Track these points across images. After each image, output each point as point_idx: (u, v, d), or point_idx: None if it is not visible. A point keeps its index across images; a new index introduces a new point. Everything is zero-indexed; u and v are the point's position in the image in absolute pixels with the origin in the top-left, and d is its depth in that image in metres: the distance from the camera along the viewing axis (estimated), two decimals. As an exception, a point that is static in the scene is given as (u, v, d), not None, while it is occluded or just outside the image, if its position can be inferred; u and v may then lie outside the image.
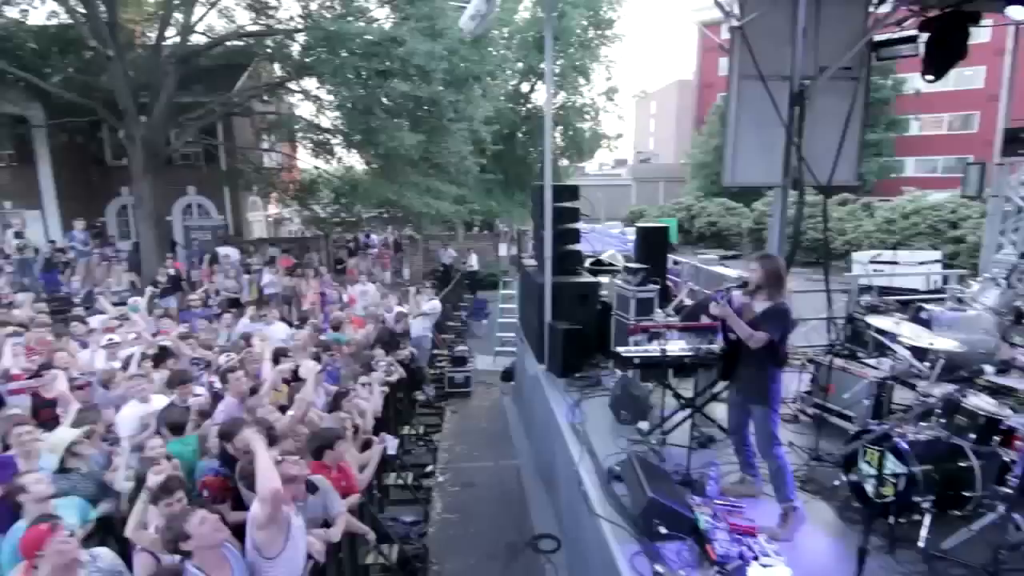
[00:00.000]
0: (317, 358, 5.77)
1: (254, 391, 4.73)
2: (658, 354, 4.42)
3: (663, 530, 3.40)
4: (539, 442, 6.33)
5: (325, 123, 14.31)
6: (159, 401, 4.62)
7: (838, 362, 4.71)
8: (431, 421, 8.22)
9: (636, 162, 47.09)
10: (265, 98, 15.78)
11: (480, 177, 21.40)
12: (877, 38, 6.41)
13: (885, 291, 8.54)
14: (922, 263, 13.04)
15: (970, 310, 5.22)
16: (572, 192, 6.86)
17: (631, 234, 28.26)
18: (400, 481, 6.04)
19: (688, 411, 4.64)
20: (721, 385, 4.46)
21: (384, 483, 5.92)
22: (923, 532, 3.35)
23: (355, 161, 15.71)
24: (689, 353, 4.33)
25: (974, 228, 14.35)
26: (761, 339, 3.48)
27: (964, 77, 28.07)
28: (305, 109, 15.48)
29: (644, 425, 4.94)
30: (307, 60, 12.70)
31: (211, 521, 2.67)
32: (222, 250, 13.03)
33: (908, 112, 30.43)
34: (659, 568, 2.59)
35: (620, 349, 4.79)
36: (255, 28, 13.65)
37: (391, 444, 4.85)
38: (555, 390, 5.99)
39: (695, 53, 42.03)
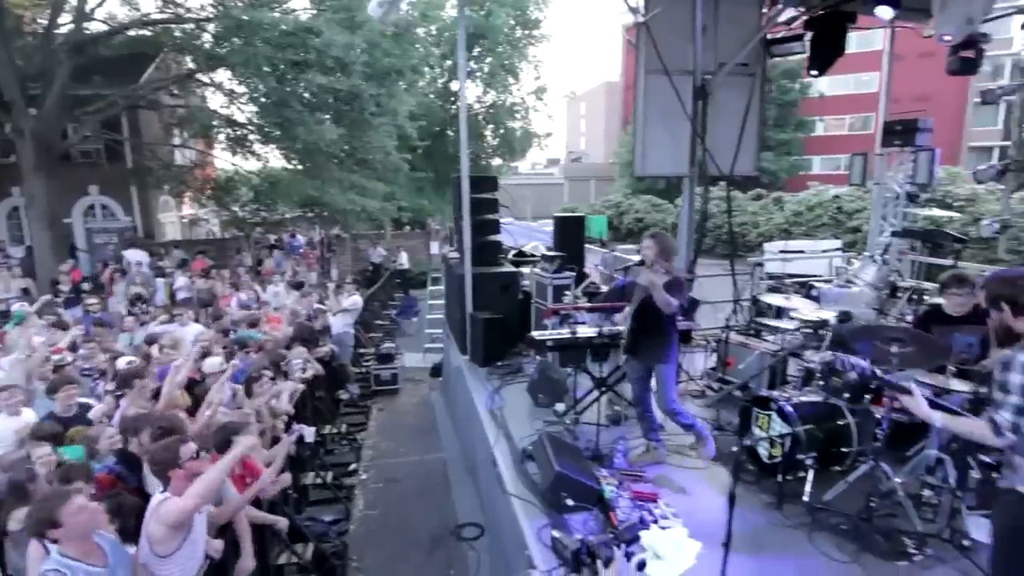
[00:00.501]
0: (230, 358, 5.53)
1: (157, 394, 4.48)
2: (568, 335, 4.52)
3: (570, 502, 3.49)
4: (463, 432, 6.33)
5: (240, 117, 13.67)
6: (30, 415, 4.29)
7: (735, 337, 4.99)
8: (356, 420, 8.04)
9: (568, 161, 48.07)
10: (174, 91, 14.89)
11: (411, 175, 21.14)
12: (770, 36, 6.85)
13: (791, 277, 9.16)
14: (825, 251, 14.11)
15: (853, 287, 5.69)
16: (491, 183, 6.91)
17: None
18: (319, 480, 5.86)
19: (599, 390, 4.78)
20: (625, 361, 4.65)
21: (302, 483, 5.73)
22: (807, 487, 3.61)
23: (276, 158, 15.14)
24: (593, 333, 4.46)
25: (868, 218, 15.64)
26: (675, 306, 3.76)
27: (862, 82, 30.54)
28: (218, 102, 14.70)
29: (560, 407, 5.04)
30: (218, 50, 12.10)
31: (90, 510, 2.52)
32: (130, 254, 12.17)
33: (814, 114, 32.76)
34: (556, 534, 2.65)
35: (534, 333, 4.86)
36: (162, 16, 12.86)
37: (308, 433, 4.69)
38: (476, 379, 6.01)
39: (620, 55, 43.37)
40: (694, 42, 6.48)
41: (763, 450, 3.91)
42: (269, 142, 13.55)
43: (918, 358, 3.48)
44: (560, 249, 6.76)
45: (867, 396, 3.77)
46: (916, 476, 3.56)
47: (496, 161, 28.56)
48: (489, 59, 24.12)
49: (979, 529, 3.23)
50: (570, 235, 7.06)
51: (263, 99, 11.92)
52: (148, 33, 13.34)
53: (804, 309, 4.68)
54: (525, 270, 7.41)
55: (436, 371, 9.77)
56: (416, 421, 8.33)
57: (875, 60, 14.19)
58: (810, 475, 3.63)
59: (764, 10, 6.86)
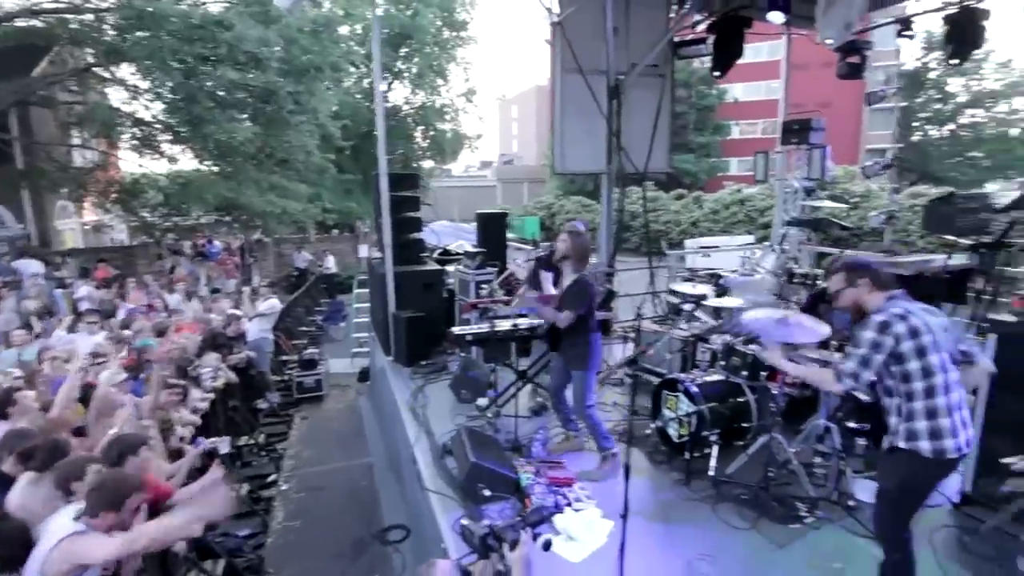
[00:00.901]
0: (135, 368, 5.16)
1: (45, 409, 4.09)
2: (488, 330, 4.54)
3: (487, 492, 3.49)
4: (389, 435, 6.21)
5: (146, 115, 12.79)
6: None
7: (649, 326, 5.18)
8: (276, 430, 7.69)
9: (500, 164, 48.33)
10: (72, 87, 13.72)
11: (337, 176, 20.57)
12: (678, 39, 7.18)
13: (708, 270, 9.65)
14: (740, 246, 14.93)
15: (756, 275, 6.06)
16: (411, 181, 6.83)
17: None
18: (233, 494, 5.55)
19: (520, 383, 4.82)
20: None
21: (215, 497, 5.41)
22: (712, 462, 3.80)
23: (188, 158, 14.27)
24: (508, 327, 4.49)
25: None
26: (569, 318, 3.70)
27: (772, 88, 32.73)
28: (120, 99, 13.68)
29: (483, 401, 5.05)
30: (120, 43, 11.25)
31: None
32: (23, 264, 11.08)
33: (730, 118, 34.69)
34: (464, 522, 2.63)
35: (455, 329, 4.84)
36: (55, 5, 11.82)
37: (222, 444, 4.43)
38: (400, 379, 5.91)
39: (549, 58, 44.07)
40: (606, 42, 6.70)
41: (673, 430, 4.08)
42: (179, 142, 12.75)
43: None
44: (483, 246, 6.77)
45: (763, 373, 4.01)
46: (808, 445, 3.82)
47: (427, 163, 28.36)
48: (417, 59, 23.90)
49: (863, 490, 3.51)
50: (493, 232, 7.09)
51: (170, 95, 11.19)
52: (40, 24, 12.23)
53: (710, 296, 4.92)
54: (450, 268, 7.38)
55: (364, 375, 9.53)
56: (342, 427, 8.07)
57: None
58: (715, 451, 3.82)
59: (672, 14, 7.20)
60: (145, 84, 11.95)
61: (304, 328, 12.12)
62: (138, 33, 10.69)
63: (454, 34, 24.39)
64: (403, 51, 23.74)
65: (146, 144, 13.14)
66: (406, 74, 24.68)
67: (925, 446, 2.34)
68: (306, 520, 5.65)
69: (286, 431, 7.82)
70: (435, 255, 8.21)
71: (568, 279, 3.84)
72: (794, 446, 3.76)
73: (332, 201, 18.76)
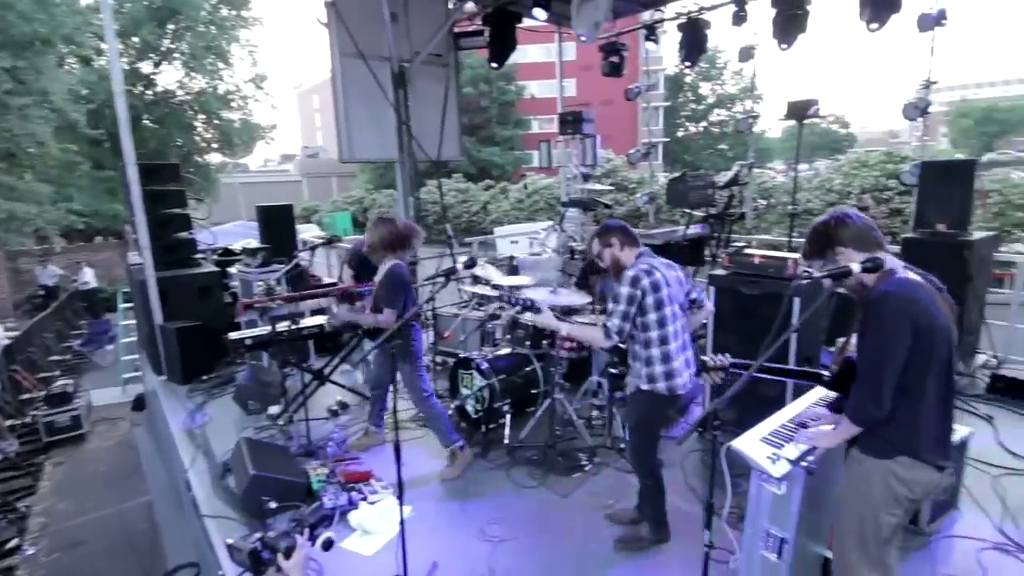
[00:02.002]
0: None
1: None
2: (268, 332, 4.16)
3: (273, 504, 3.21)
4: (169, 465, 5.40)
5: None
6: None
7: (449, 311, 5.25)
8: (18, 485, 6.23)
9: (304, 157, 45.22)
10: None
11: (94, 174, 17.26)
12: (458, 29, 7.33)
13: (516, 256, 10.17)
14: (541, 229, 16.04)
15: (543, 254, 6.54)
16: (171, 172, 5.96)
17: (305, 230, 26.88)
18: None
19: (314, 384, 4.54)
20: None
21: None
22: (506, 431, 3.99)
23: None
24: (293, 327, 4.19)
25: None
26: (388, 320, 3.54)
27: (564, 87, 35.78)
28: None
29: (275, 409, 4.64)
30: None
31: None
32: None
33: (530, 113, 36.93)
34: (229, 541, 2.37)
35: (232, 335, 4.34)
36: None
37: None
38: (174, 401, 5.16)
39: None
40: (386, 28, 6.56)
41: (470, 406, 4.19)
42: None
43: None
44: (267, 242, 6.21)
45: (545, 342, 4.32)
46: (587, 401, 4.23)
47: (215, 157, 25.32)
48: (188, 38, 21.05)
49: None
50: (278, 226, 6.52)
51: None
52: None
53: (496, 277, 5.16)
54: (233, 269, 6.66)
55: (139, 403, 8.15)
56: (112, 468, 6.84)
57: (570, 69, 16.90)
58: (507, 420, 4.02)
59: (450, 5, 7.33)
60: None
61: (56, 357, 9.97)
62: None
63: (234, 12, 21.97)
64: (170, 27, 20.72)
65: None
66: (176, 55, 21.61)
67: (662, 386, 2.70)
68: (62, 584, 4.69)
69: (32, 484, 6.37)
70: (215, 256, 7.34)
71: (380, 272, 3.69)
72: (575, 404, 4.13)
73: (87, 203, 15.65)
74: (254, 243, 8.30)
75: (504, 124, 34.99)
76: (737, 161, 7.50)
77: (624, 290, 2.66)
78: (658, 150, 38.88)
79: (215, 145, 24.30)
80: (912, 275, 1.90)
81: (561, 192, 8.52)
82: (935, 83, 5.52)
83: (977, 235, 4.51)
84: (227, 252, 7.30)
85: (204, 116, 23.10)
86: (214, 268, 6.14)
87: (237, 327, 5.94)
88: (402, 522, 2.44)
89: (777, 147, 42.58)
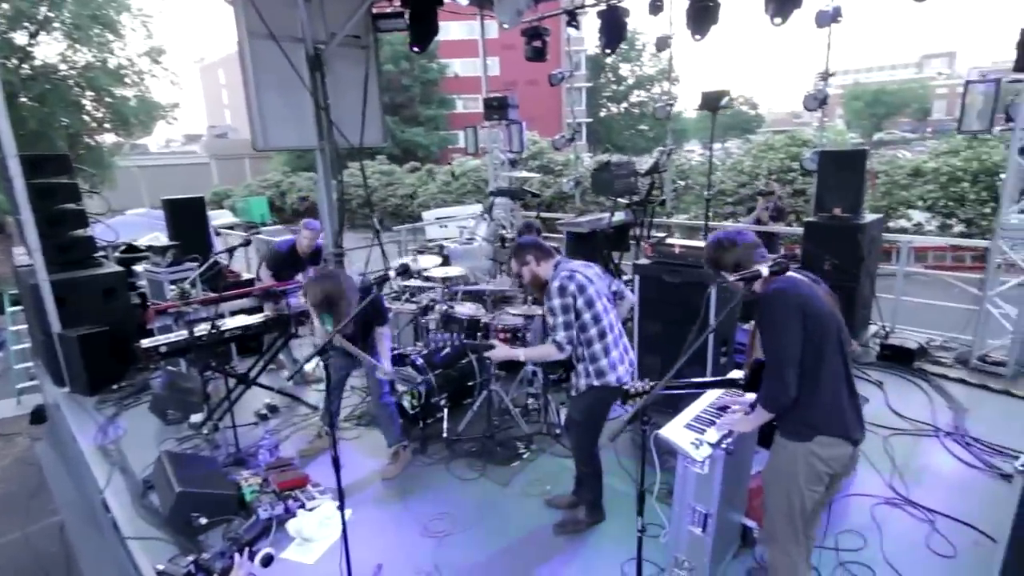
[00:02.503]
0: None
1: None
2: (185, 337, 3.92)
3: (204, 520, 3.08)
4: (80, 483, 5.00)
5: None
6: None
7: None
8: None
9: (211, 138, 42.18)
10: None
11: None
12: (377, 11, 7.05)
13: (447, 240, 10.08)
14: (471, 215, 15.96)
15: (473, 243, 6.54)
16: (61, 164, 5.40)
17: (216, 217, 25.25)
18: None
19: (241, 388, 4.34)
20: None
21: None
22: (444, 425, 4.01)
23: None
24: (213, 329, 3.98)
25: (500, 184, 18.37)
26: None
27: (488, 66, 35.37)
28: None
29: (197, 417, 4.41)
30: None
31: None
32: None
33: (453, 92, 36.28)
34: (160, 567, 2.26)
35: (144, 342, 4.04)
36: None
37: None
38: (82, 413, 4.78)
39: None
40: (299, 8, 6.22)
41: (407, 402, 4.16)
42: None
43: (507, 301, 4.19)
44: (176, 237, 5.80)
45: (479, 334, 4.36)
46: (522, 390, 4.32)
47: (109, 138, 23.12)
48: (69, 5, 18.92)
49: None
50: (188, 220, 6.08)
51: None
52: None
53: (432, 267, 5.12)
54: (139, 268, 6.18)
55: (38, 416, 7.44)
56: (12, 488, 6.23)
57: (493, 47, 16.73)
58: (445, 414, 4.04)
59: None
60: None
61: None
62: None
63: (121, -22, 19.93)
64: (44, -9, 18.53)
65: None
66: (57, 24, 19.39)
67: (611, 378, 2.80)
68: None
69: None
70: (117, 253, 6.78)
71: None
72: (511, 393, 4.21)
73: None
74: (161, 237, 7.75)
75: (428, 104, 34.25)
76: (657, 148, 7.79)
77: (556, 302, 2.73)
78: (582, 131, 39.61)
79: (107, 125, 22.15)
80: (792, 273, 2.09)
81: (489, 177, 8.50)
82: (832, 74, 5.97)
83: (869, 218, 4.98)
84: (131, 249, 6.75)
85: (93, 93, 20.96)
86: (117, 268, 5.65)
87: (149, 332, 5.58)
88: (344, 527, 2.41)
89: (693, 127, 44.49)
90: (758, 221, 6.46)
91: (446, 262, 6.16)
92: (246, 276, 6.65)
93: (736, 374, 2.80)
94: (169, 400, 4.46)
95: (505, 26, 5.49)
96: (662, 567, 2.66)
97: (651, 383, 2.34)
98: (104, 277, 5.45)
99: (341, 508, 2.43)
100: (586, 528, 3.06)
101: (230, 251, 4.42)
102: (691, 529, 2.48)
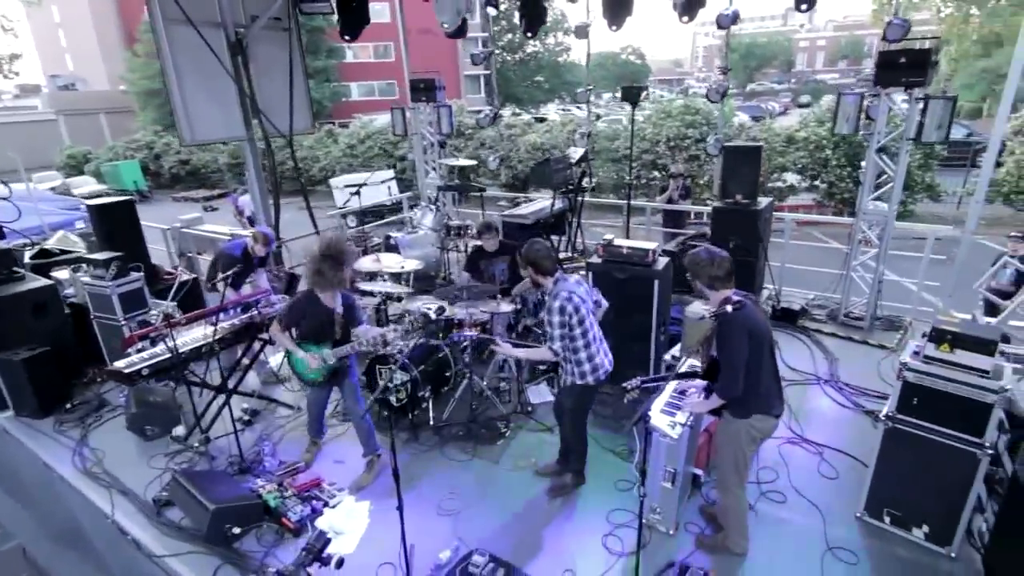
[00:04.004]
0: None
1: None
2: (168, 355, 4.00)
3: (237, 530, 3.38)
4: (44, 505, 4.89)
5: None
6: None
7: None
8: None
9: (54, 89, 36.44)
10: None
11: None
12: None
13: (366, 213, 10.08)
14: (383, 181, 15.72)
15: (419, 231, 6.82)
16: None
17: (79, 184, 22.44)
18: None
19: (223, 397, 4.48)
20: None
21: None
22: (430, 414, 4.50)
23: None
24: (203, 343, 4.10)
25: (409, 150, 18.06)
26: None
27: (376, 11, 33.43)
28: None
29: (180, 430, 4.52)
30: None
31: None
32: None
33: (342, 42, 34.01)
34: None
35: (120, 365, 4.04)
36: None
37: None
38: (40, 437, 4.66)
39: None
40: (218, -9, 5.92)
41: (392, 397, 4.57)
42: None
43: (479, 295, 4.67)
44: (107, 243, 5.52)
45: (453, 330, 4.82)
46: (494, 374, 4.88)
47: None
48: None
49: (535, 395, 4.78)
50: (117, 221, 5.73)
51: None
52: None
53: (392, 264, 5.41)
54: (61, 275, 5.83)
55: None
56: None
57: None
58: (430, 404, 4.52)
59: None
60: None
61: None
62: None
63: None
64: None
65: None
66: None
67: (591, 379, 3.42)
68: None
69: None
70: (27, 259, 6.28)
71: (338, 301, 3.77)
72: (485, 379, 4.76)
73: None
74: (70, 236, 7.19)
75: (315, 54, 31.91)
76: (580, 141, 8.35)
77: (556, 319, 3.28)
78: (479, 83, 39.13)
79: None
80: (741, 297, 2.79)
81: (416, 158, 8.63)
82: (730, 70, 6.81)
83: (763, 203, 5.95)
84: (44, 253, 6.26)
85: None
86: (43, 281, 5.31)
87: (89, 341, 5.40)
88: (400, 511, 2.86)
89: (584, 76, 45.65)
90: (670, 200, 7.33)
91: (395, 251, 6.43)
92: (168, 268, 6.46)
93: (694, 362, 3.53)
94: (147, 416, 4.49)
95: (445, 26, 5.63)
96: (636, 512, 3.43)
97: (640, 379, 3.02)
98: (32, 293, 5.14)
99: (400, 511, 2.85)
100: (572, 490, 3.76)
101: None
102: (663, 484, 3.24)
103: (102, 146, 28.94)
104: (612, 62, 48.52)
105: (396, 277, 5.76)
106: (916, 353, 3.06)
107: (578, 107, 42.23)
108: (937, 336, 2.98)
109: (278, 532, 3.46)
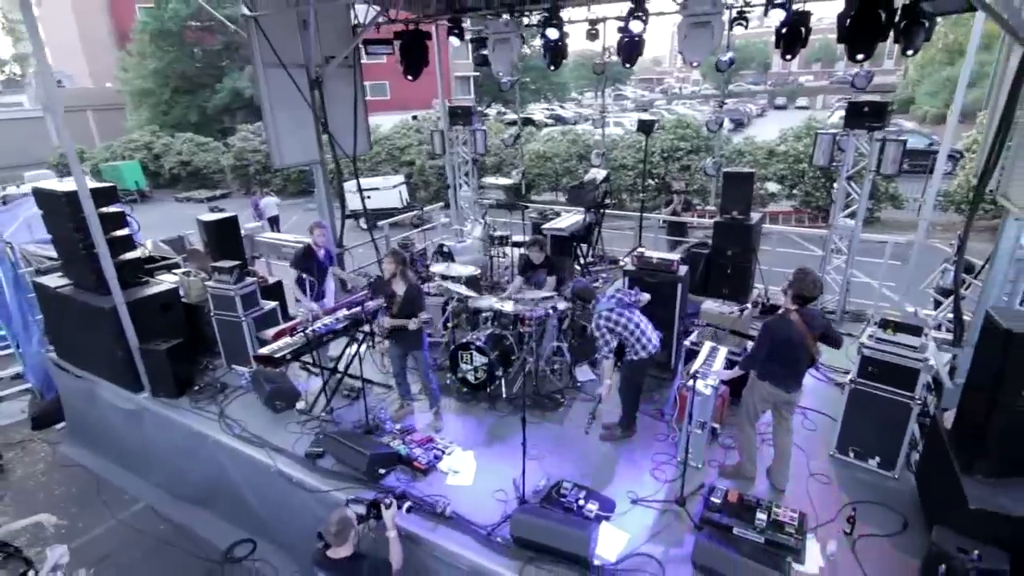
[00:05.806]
0: None
1: None
2: (304, 340, 5.14)
3: (382, 471, 4.57)
4: (181, 468, 5.92)
5: None
6: None
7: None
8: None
9: (40, 86, 36.16)
10: None
11: None
12: (365, 37, 7.88)
13: (377, 213, 11.15)
14: (395, 186, 16.80)
15: (467, 240, 8.02)
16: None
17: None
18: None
19: (336, 376, 5.64)
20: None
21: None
22: (503, 388, 5.73)
23: None
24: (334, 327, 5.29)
25: (417, 153, 19.09)
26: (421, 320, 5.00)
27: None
28: None
29: (301, 404, 5.66)
30: None
31: None
32: None
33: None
34: (351, 496, 3.79)
35: (264, 351, 5.14)
36: None
37: None
38: (188, 412, 5.75)
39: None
40: (303, 39, 7.02)
41: (471, 376, 5.78)
42: None
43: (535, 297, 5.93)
44: (217, 248, 6.66)
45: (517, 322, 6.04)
46: (549, 357, 6.13)
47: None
48: None
49: (582, 374, 6.04)
50: (227, 236, 6.88)
51: None
52: None
53: (459, 272, 6.61)
54: (169, 279, 6.88)
55: (43, 420, 7.80)
56: (71, 489, 6.79)
57: None
58: (503, 381, 5.75)
59: (354, 21, 7.83)
60: None
61: None
62: None
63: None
64: None
65: None
66: None
67: (644, 353, 4.72)
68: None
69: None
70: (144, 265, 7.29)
71: (400, 289, 4.96)
72: (542, 361, 6.00)
73: None
74: (150, 244, 8.16)
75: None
76: (597, 162, 9.58)
77: (598, 334, 4.69)
78: (469, 85, 40.03)
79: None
80: (784, 312, 4.07)
81: (449, 175, 9.76)
82: (725, 104, 8.14)
83: (755, 218, 7.29)
84: (151, 260, 7.28)
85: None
86: (167, 283, 6.38)
87: (202, 335, 6.49)
88: (524, 450, 4.10)
89: (571, 78, 47.29)
90: (674, 213, 8.67)
91: (451, 258, 7.62)
92: (266, 278, 7.55)
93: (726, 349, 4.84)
94: (277, 394, 5.61)
95: (501, 75, 6.81)
96: (672, 454, 4.73)
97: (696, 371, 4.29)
98: (161, 295, 6.20)
99: (524, 447, 4.07)
100: (621, 438, 5.04)
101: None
102: (694, 431, 4.53)
103: (91, 144, 29.15)
104: (594, 63, 49.98)
105: (456, 279, 6.95)
106: (871, 336, 4.40)
107: (562, 107, 43.67)
108: (883, 324, 4.32)
109: (411, 472, 4.66)
